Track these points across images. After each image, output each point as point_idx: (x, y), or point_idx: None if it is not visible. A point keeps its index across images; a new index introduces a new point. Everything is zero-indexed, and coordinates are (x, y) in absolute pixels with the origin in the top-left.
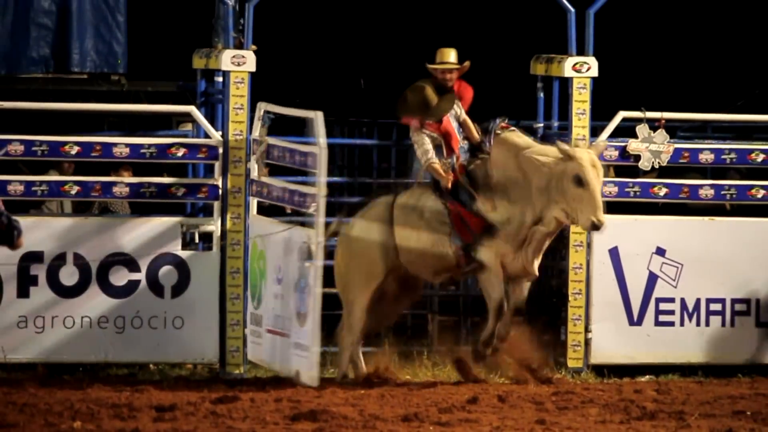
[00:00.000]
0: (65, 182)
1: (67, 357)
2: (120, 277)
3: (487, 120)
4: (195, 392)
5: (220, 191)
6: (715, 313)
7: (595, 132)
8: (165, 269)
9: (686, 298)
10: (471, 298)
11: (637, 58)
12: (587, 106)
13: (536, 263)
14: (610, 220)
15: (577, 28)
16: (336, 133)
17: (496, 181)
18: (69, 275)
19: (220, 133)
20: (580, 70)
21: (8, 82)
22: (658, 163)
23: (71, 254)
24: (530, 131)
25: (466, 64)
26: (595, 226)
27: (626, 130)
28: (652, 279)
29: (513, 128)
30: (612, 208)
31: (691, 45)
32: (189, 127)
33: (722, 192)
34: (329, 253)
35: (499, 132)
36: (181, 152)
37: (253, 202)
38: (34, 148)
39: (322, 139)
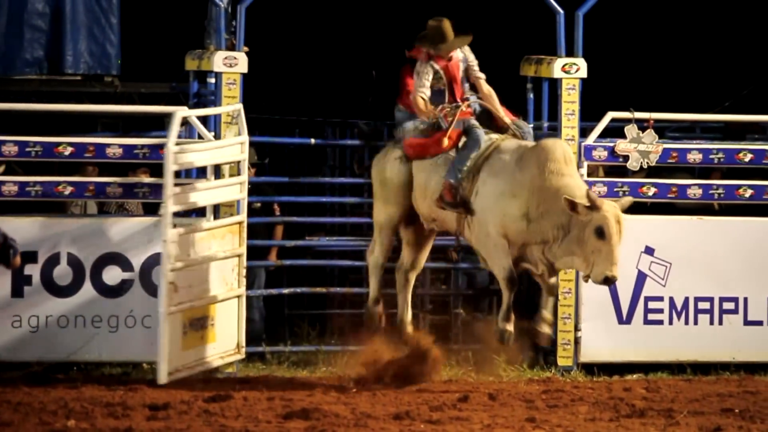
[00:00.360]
0: (59, 183)
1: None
2: (113, 276)
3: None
4: (188, 391)
5: None
6: (704, 311)
7: (584, 132)
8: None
9: (675, 296)
10: (462, 297)
11: (626, 59)
12: (576, 107)
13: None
14: None
15: (566, 30)
16: (327, 134)
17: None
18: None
19: (213, 133)
20: (569, 71)
21: (2, 83)
22: (647, 163)
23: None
24: None
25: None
26: (608, 281)
27: (615, 130)
28: (641, 278)
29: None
30: None
31: (679, 46)
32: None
33: (710, 192)
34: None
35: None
36: None
37: None
38: (27, 149)
39: (173, 137)
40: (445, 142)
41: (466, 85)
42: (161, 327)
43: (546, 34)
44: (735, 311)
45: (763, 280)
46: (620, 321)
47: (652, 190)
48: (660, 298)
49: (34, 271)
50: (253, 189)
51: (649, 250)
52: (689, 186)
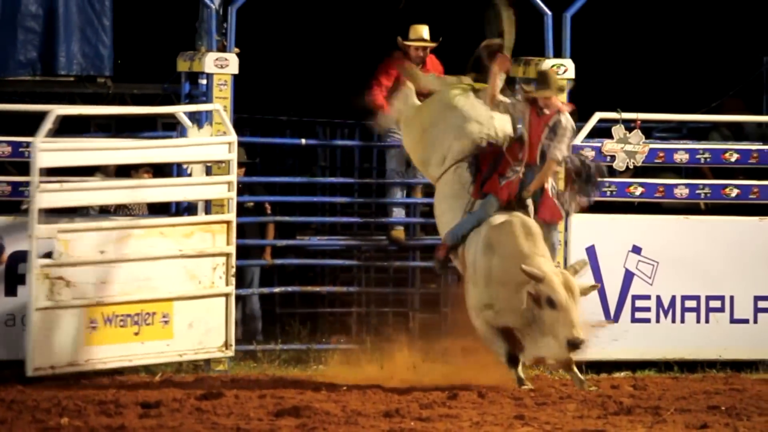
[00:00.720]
0: None
1: None
2: None
3: None
4: (180, 389)
5: None
6: (690, 309)
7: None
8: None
9: (662, 295)
10: (452, 295)
11: (613, 60)
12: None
13: None
14: (587, 219)
15: (554, 31)
16: (319, 134)
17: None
18: None
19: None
20: (557, 72)
21: None
22: (633, 163)
23: None
24: None
25: (439, 40)
26: (574, 344)
27: (602, 130)
28: (629, 276)
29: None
30: (589, 207)
31: (666, 48)
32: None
33: (697, 191)
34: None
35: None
36: None
37: None
38: (21, 149)
39: (40, 134)
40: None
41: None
42: (29, 322)
43: (534, 35)
44: (721, 309)
45: (749, 279)
46: (608, 319)
47: (640, 190)
48: (647, 297)
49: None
50: (244, 188)
51: (636, 249)
52: (676, 186)
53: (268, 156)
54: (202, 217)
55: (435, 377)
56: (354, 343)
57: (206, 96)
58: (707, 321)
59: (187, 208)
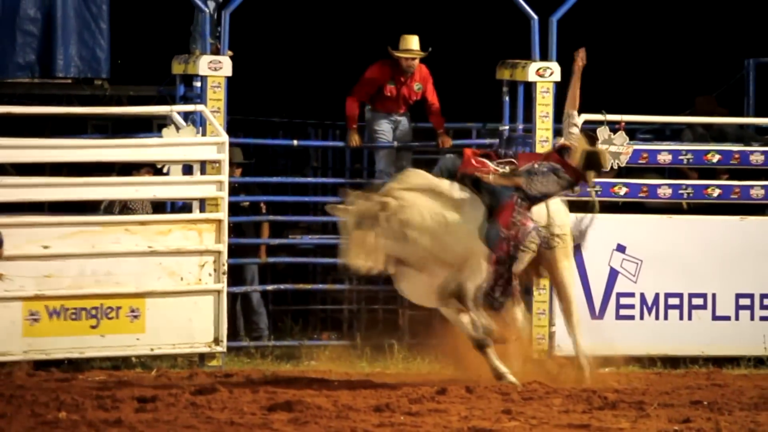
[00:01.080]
0: None
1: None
2: None
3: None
4: (175, 384)
5: None
6: (673, 307)
7: (558, 133)
8: None
9: (645, 292)
10: None
11: (598, 63)
12: (550, 110)
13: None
14: (572, 218)
15: (541, 35)
16: (311, 135)
17: None
18: None
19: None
20: (544, 75)
21: None
22: (618, 164)
23: None
24: (496, 134)
25: (429, 50)
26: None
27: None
28: (613, 275)
29: None
30: (574, 207)
31: (650, 52)
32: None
33: (680, 191)
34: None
35: None
36: None
37: None
38: None
39: None
40: None
41: None
42: None
43: (521, 39)
44: (704, 307)
45: (730, 277)
46: (593, 316)
47: (624, 190)
48: (631, 294)
49: None
50: (240, 188)
51: (620, 248)
52: (659, 186)
53: (261, 157)
54: (183, 215)
55: (424, 373)
56: (345, 339)
57: (200, 98)
58: (690, 318)
59: (183, 207)
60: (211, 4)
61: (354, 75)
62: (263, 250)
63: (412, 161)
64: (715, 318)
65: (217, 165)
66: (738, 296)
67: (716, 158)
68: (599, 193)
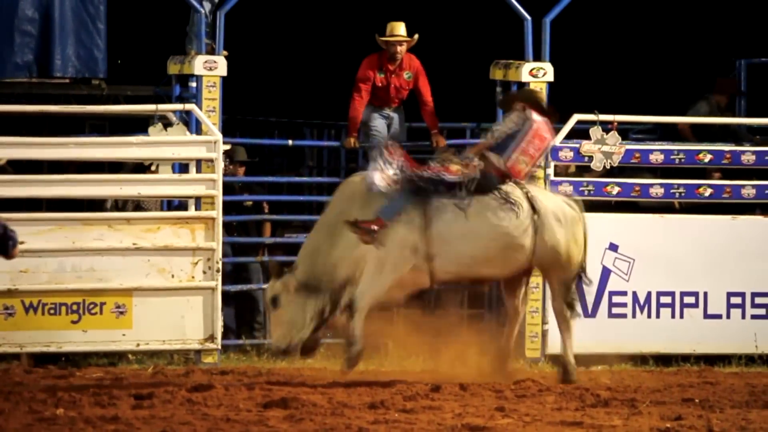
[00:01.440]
0: None
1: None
2: None
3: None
4: (172, 381)
5: None
6: (665, 305)
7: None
8: None
9: (638, 291)
10: (436, 291)
11: (591, 63)
12: None
13: None
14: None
15: (534, 35)
16: (306, 135)
17: None
18: None
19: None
20: (537, 75)
21: None
22: (610, 163)
23: None
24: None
25: (415, 36)
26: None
27: (580, 132)
28: (606, 273)
29: None
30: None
31: (642, 52)
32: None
33: (672, 191)
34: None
35: None
36: None
37: None
38: None
39: None
40: None
41: None
42: None
43: (514, 39)
44: (695, 305)
45: (721, 276)
46: (585, 314)
47: (616, 189)
48: (624, 293)
49: None
50: (244, 187)
51: (613, 247)
52: (651, 185)
53: (257, 156)
54: (173, 213)
55: (418, 370)
56: (340, 337)
57: (196, 98)
58: (682, 316)
59: (178, 206)
60: (207, 5)
61: (349, 75)
62: (263, 248)
63: None
64: (706, 316)
65: (211, 164)
66: (729, 295)
67: (708, 158)
68: (592, 192)
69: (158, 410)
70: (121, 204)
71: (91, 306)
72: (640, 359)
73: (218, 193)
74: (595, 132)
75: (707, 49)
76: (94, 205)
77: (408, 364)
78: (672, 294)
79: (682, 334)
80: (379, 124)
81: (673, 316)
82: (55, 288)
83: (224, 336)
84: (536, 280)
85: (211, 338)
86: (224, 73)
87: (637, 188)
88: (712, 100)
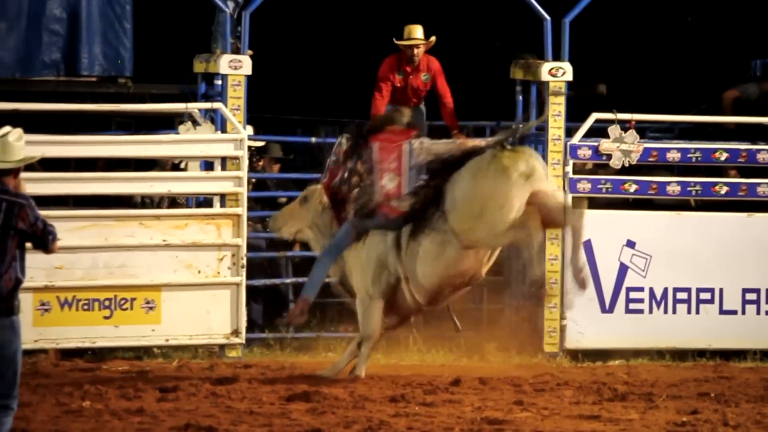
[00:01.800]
0: None
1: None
2: None
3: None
4: (196, 375)
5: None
6: (682, 301)
7: (570, 132)
8: None
9: (654, 287)
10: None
11: (609, 63)
12: (563, 108)
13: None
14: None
15: (553, 35)
16: (328, 132)
17: None
18: None
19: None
20: (556, 74)
21: (21, 84)
22: (628, 161)
23: None
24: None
25: (432, 39)
26: None
27: (599, 130)
28: (623, 270)
29: None
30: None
31: (659, 52)
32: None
33: (688, 188)
34: None
35: None
36: None
37: None
38: None
39: None
40: None
41: None
42: None
43: (534, 39)
44: (711, 301)
45: (737, 272)
46: (603, 310)
47: (634, 187)
48: (641, 289)
49: None
50: (279, 184)
51: (630, 244)
52: (668, 183)
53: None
54: (200, 210)
55: (438, 364)
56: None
57: (221, 96)
58: (698, 312)
59: (203, 202)
60: (231, 5)
61: (371, 74)
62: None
63: None
64: (722, 312)
65: (237, 161)
66: (744, 291)
67: (724, 156)
68: (610, 190)
69: (183, 403)
70: (157, 200)
71: (122, 302)
72: (656, 354)
73: (243, 190)
74: (614, 130)
75: (723, 50)
76: (120, 201)
77: (429, 358)
78: (688, 290)
79: (699, 330)
80: None
81: (689, 312)
82: (89, 284)
83: (249, 330)
84: (555, 275)
85: (236, 333)
86: (249, 72)
87: (654, 186)
88: (763, 85)
